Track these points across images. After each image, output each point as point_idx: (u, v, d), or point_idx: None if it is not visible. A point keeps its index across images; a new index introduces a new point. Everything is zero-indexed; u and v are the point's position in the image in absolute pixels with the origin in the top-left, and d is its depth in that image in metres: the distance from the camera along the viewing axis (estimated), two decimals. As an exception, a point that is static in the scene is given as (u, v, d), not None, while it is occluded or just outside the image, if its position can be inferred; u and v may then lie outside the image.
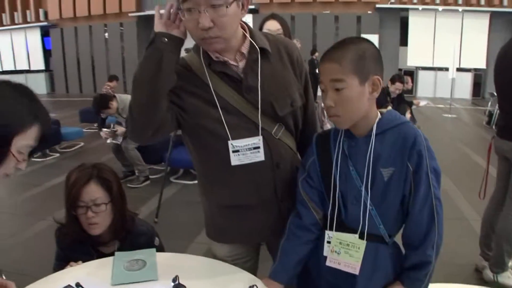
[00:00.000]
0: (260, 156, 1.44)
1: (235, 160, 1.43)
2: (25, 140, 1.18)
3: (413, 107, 6.37)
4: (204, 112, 1.41)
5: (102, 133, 5.53)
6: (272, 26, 2.86)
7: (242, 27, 1.45)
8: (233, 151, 1.42)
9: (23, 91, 1.23)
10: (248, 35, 1.45)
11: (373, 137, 1.33)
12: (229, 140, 1.41)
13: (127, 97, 5.35)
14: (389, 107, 5.91)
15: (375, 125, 1.34)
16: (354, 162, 1.37)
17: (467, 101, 14.27)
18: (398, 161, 1.31)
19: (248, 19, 14.84)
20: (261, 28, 2.89)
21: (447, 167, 5.77)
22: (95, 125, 9.37)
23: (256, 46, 1.43)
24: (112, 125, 5.55)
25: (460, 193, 4.73)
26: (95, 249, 1.82)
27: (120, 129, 5.29)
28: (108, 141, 5.50)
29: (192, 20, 1.28)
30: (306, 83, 1.59)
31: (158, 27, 1.36)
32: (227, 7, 1.26)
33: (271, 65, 1.47)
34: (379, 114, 1.37)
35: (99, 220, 1.72)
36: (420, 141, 1.30)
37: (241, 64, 1.43)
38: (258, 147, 1.43)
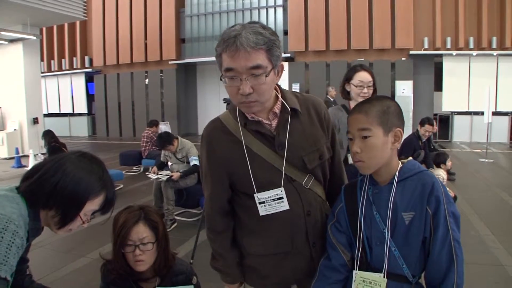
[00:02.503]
0: (284, 205, 1.56)
1: (262, 210, 1.57)
2: (92, 206, 1.46)
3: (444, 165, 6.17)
4: (235, 167, 1.57)
5: (152, 173, 5.79)
6: (365, 77, 2.92)
7: (275, 89, 1.60)
8: (259, 203, 1.56)
9: (97, 163, 1.52)
10: (280, 96, 1.60)
11: (394, 184, 1.46)
12: (255, 193, 1.56)
13: (187, 142, 5.73)
14: (422, 153, 5.95)
15: (396, 173, 1.48)
16: (378, 207, 1.49)
17: (504, 145, 13.91)
18: (418, 206, 1.43)
19: (284, 66, 15.27)
20: (351, 78, 2.96)
21: (483, 213, 5.68)
22: (134, 167, 9.75)
23: (288, 107, 1.58)
24: (168, 163, 5.83)
25: (496, 239, 4.64)
26: (136, 285, 1.95)
27: (176, 175, 5.49)
28: (153, 177, 5.71)
29: (233, 87, 1.43)
30: (333, 137, 1.73)
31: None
32: (266, 76, 1.41)
33: (301, 123, 1.61)
34: (400, 163, 1.51)
35: (145, 258, 1.86)
36: (438, 187, 1.42)
37: (274, 123, 1.58)
38: (282, 198, 1.55)
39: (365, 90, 2.89)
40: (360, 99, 2.76)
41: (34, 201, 1.37)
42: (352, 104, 3.02)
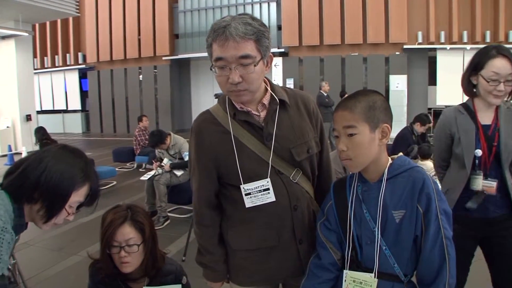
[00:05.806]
0: (270, 197, 1.55)
1: (248, 202, 1.56)
2: (77, 197, 1.44)
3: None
4: (222, 158, 1.57)
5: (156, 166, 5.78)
6: (503, 67, 2.00)
7: (264, 81, 1.62)
8: (245, 194, 1.56)
9: (79, 154, 1.50)
10: (269, 88, 1.62)
11: (384, 182, 1.43)
12: (241, 184, 1.55)
13: (180, 138, 5.75)
14: (415, 148, 5.94)
15: (386, 170, 1.44)
16: (368, 205, 1.46)
17: (499, 139, 13.94)
18: (409, 204, 1.39)
19: (278, 62, 15.26)
20: (481, 67, 2.07)
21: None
22: (128, 164, 9.70)
23: (276, 98, 1.59)
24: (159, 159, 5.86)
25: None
26: (125, 285, 1.93)
27: (166, 166, 5.57)
28: (143, 176, 5.76)
29: (223, 76, 1.46)
30: (322, 132, 1.72)
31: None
32: (255, 65, 1.44)
33: (289, 115, 1.61)
34: (390, 160, 1.47)
35: (131, 260, 1.83)
36: (429, 184, 1.39)
37: (263, 114, 1.59)
38: (268, 189, 1.55)
39: (501, 86, 2.01)
40: (492, 99, 2.07)
41: (18, 195, 1.34)
42: (477, 103, 2.17)
